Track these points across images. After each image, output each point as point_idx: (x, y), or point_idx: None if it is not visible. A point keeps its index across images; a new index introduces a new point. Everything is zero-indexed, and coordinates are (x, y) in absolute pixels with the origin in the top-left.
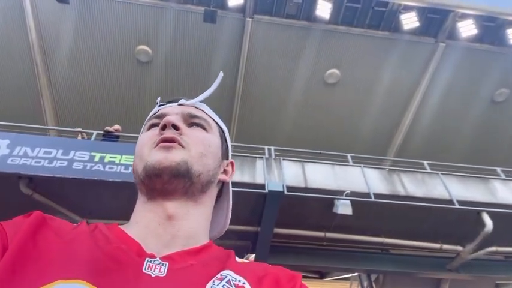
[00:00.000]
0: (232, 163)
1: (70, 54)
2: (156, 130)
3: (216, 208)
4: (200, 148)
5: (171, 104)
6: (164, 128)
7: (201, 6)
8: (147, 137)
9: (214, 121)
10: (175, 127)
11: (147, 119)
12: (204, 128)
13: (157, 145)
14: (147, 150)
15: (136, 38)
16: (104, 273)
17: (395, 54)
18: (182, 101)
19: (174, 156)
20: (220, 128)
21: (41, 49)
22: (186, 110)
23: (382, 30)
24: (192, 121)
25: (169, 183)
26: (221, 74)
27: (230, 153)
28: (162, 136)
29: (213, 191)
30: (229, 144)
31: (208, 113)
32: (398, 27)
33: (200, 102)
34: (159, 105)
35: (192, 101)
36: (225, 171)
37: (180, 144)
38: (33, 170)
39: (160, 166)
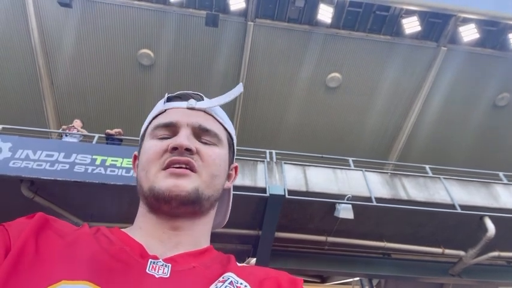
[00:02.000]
0: (236, 167)
1: (72, 57)
2: (165, 143)
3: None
4: (212, 169)
5: (179, 104)
6: (175, 148)
7: (203, 10)
8: (155, 152)
9: (224, 127)
10: (188, 149)
11: (151, 117)
12: (215, 144)
13: (167, 167)
14: (155, 170)
15: (138, 42)
16: (108, 274)
17: (396, 58)
18: (192, 103)
19: (185, 185)
20: (229, 134)
21: (43, 52)
22: (196, 122)
23: (383, 34)
24: (203, 135)
25: (177, 208)
26: (241, 85)
27: (235, 156)
28: (174, 159)
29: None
30: (235, 148)
31: (217, 118)
32: (399, 32)
33: (204, 96)
34: (166, 101)
35: (203, 104)
36: (228, 176)
37: (192, 169)
38: (35, 173)
39: (170, 194)
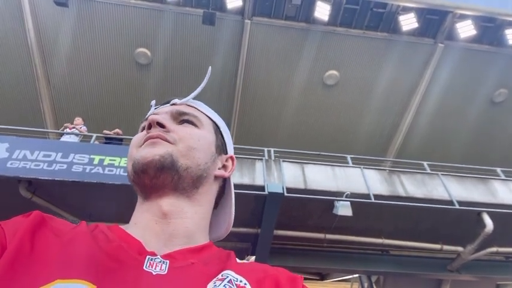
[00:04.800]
0: (232, 158)
1: (69, 56)
2: (145, 131)
3: (220, 207)
4: (188, 142)
5: (164, 106)
6: (150, 127)
7: (199, 9)
8: (136, 139)
9: (208, 117)
10: (161, 125)
11: (140, 122)
12: (194, 124)
13: (143, 143)
14: (135, 150)
15: (135, 41)
16: (104, 272)
17: (394, 55)
18: (175, 101)
19: (157, 150)
20: (215, 123)
21: (40, 52)
22: (175, 109)
23: (380, 31)
24: (181, 118)
25: (156, 177)
26: (210, 69)
27: (230, 147)
28: (148, 135)
29: (209, 188)
30: (228, 139)
31: (200, 109)
32: (397, 29)
33: (194, 99)
34: (155, 108)
35: (184, 99)
36: (224, 167)
37: (166, 140)
38: (33, 173)
39: (144, 161)
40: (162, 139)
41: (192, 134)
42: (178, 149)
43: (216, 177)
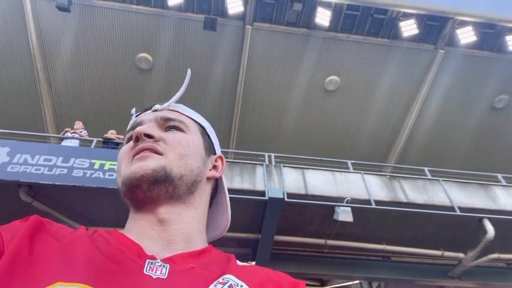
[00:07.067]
0: (221, 157)
1: (71, 61)
2: (132, 143)
3: (214, 206)
4: (179, 150)
5: (146, 112)
6: (138, 139)
7: (201, 14)
8: (124, 152)
9: (193, 119)
10: (148, 136)
11: (125, 132)
12: (181, 129)
13: (133, 158)
14: (125, 166)
15: (137, 46)
16: (104, 275)
17: (394, 61)
18: (156, 107)
19: (149, 164)
20: (200, 125)
21: (41, 56)
22: (159, 115)
23: (381, 37)
24: (167, 125)
25: (149, 191)
26: (189, 71)
27: (217, 147)
28: (137, 147)
29: (203, 191)
30: (214, 138)
31: (184, 113)
32: (397, 35)
33: (176, 103)
34: (136, 116)
35: (165, 104)
36: (214, 167)
37: (157, 152)
38: (33, 177)
39: (136, 176)
40: (153, 150)
41: (181, 140)
42: (170, 159)
43: (208, 179)
